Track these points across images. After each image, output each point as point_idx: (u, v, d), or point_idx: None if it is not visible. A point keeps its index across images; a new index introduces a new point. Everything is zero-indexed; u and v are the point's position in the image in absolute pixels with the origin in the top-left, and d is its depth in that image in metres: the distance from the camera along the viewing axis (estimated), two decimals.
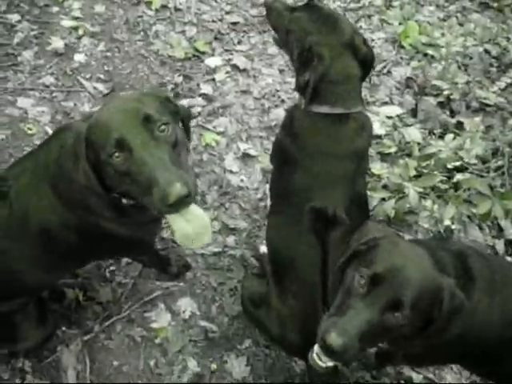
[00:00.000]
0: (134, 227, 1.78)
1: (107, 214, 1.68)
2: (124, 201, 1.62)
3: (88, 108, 2.86)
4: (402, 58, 3.32)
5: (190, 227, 1.46)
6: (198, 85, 3.02)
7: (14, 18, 3.26)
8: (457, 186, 2.68)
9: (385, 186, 2.70)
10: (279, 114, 2.89)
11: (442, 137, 2.89)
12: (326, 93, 1.88)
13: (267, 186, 2.54)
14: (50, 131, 2.76)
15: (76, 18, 3.28)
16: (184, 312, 2.29)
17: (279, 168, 2.03)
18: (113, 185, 1.50)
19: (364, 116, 2.00)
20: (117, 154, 1.43)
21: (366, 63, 1.95)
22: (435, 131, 2.96)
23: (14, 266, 1.77)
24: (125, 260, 2.38)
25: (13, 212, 1.73)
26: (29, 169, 1.76)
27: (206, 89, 2.99)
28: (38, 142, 2.69)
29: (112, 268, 2.37)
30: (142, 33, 3.25)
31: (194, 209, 1.46)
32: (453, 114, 3.06)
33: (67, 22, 3.25)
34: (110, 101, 1.61)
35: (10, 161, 2.60)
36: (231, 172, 2.69)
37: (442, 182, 2.70)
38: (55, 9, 3.34)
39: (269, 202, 2.19)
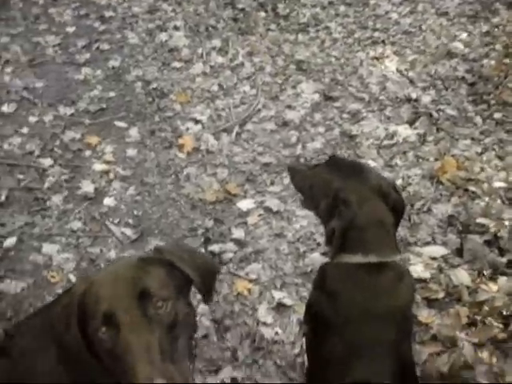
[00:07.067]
0: None
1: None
2: None
3: (115, 255, 2.76)
4: (441, 194, 3.18)
5: None
6: (230, 229, 2.91)
7: (47, 162, 3.29)
8: None
9: (434, 337, 2.46)
10: (315, 258, 2.73)
11: (492, 278, 2.69)
12: (356, 240, 1.77)
13: (304, 339, 2.33)
14: (74, 279, 2.64)
15: (108, 162, 3.29)
16: None
17: (314, 330, 1.84)
18: (101, 359, 1.34)
19: (402, 266, 1.85)
20: (103, 330, 1.29)
21: (397, 209, 1.85)
22: (485, 272, 2.74)
23: None
24: None
25: (15, 371, 1.56)
26: (38, 326, 1.61)
27: (238, 233, 2.89)
28: (60, 291, 2.56)
29: None
30: (173, 176, 3.22)
31: None
32: (502, 252, 2.85)
33: (99, 166, 3.26)
34: (112, 264, 1.49)
35: (30, 311, 2.47)
36: (265, 324, 2.49)
37: (498, 330, 2.46)
38: (87, 153, 3.37)
39: (306, 360, 1.97)
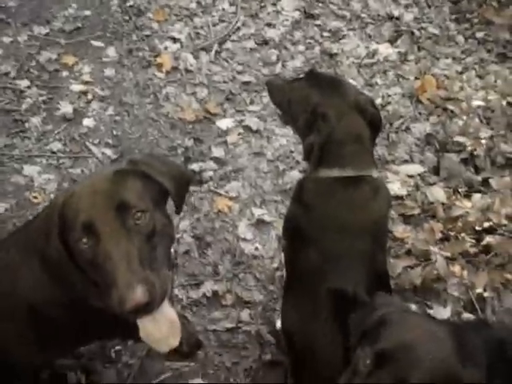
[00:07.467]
0: None
1: (91, 291, 1.52)
2: None
3: None
4: (420, 113, 3.19)
5: (156, 328, 1.31)
6: (210, 148, 2.92)
7: (24, 83, 3.22)
8: (487, 250, 2.52)
9: (408, 251, 2.54)
10: (294, 176, 2.76)
11: (467, 195, 2.75)
12: (333, 154, 1.79)
13: (283, 254, 2.40)
14: None
15: (85, 83, 3.23)
16: None
17: (292, 244, 1.89)
18: (83, 269, 1.37)
19: (379, 180, 1.87)
20: (84, 240, 1.31)
21: (374, 124, 1.85)
22: (460, 190, 2.80)
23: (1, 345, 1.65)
24: None
25: (1, 283, 1.62)
26: (21, 240, 1.65)
27: (218, 152, 2.89)
28: None
29: (117, 347, 2.20)
30: (151, 96, 3.19)
31: (164, 308, 1.31)
32: (478, 170, 2.90)
33: (76, 87, 3.20)
34: (91, 176, 1.50)
35: None
36: (245, 240, 2.55)
37: (470, 245, 2.54)
38: (65, 73, 3.30)
39: (285, 273, 2.03)
